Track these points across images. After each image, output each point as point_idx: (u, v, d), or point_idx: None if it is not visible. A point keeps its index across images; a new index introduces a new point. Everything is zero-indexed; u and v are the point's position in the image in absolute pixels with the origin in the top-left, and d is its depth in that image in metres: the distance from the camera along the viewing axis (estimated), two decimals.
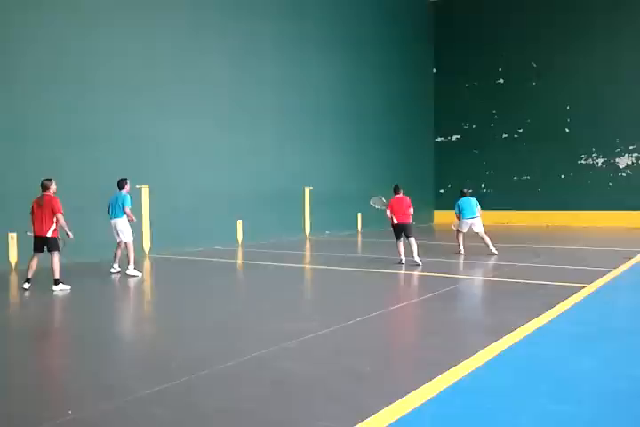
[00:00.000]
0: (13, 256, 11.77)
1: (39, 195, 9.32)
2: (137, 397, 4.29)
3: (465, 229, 14.07)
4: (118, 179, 10.99)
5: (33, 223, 9.23)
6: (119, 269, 10.96)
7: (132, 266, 10.71)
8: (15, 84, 12.00)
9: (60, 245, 9.34)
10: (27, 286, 9.17)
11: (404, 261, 12.22)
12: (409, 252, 12.23)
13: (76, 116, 13.01)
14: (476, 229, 13.93)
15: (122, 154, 13.84)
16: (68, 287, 9.19)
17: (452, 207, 14.67)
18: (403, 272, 11.16)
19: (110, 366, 5.19)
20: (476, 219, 13.96)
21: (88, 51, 13.28)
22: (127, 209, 10.72)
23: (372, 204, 13.19)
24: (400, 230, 12.30)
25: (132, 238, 10.92)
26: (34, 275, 9.31)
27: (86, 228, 12.04)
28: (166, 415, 3.97)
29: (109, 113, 13.69)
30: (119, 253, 11.01)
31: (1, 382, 4.83)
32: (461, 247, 14.00)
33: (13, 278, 10.82)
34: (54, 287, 9.07)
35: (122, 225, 10.78)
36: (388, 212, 12.36)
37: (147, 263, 13.29)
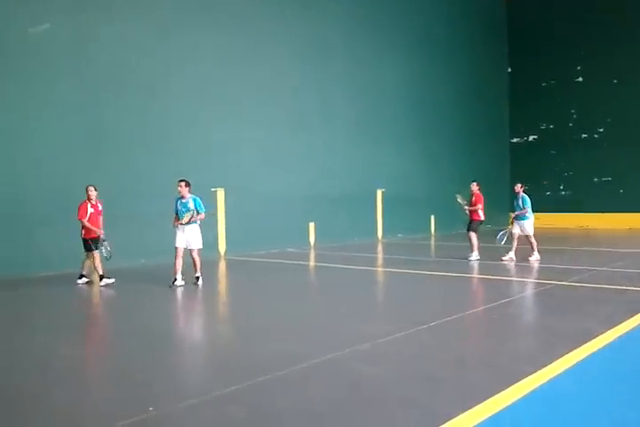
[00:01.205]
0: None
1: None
2: (213, 396, 4.38)
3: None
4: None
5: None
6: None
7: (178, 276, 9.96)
8: (96, 89, 12.50)
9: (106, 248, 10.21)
10: (104, 282, 10.10)
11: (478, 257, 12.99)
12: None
13: (149, 120, 13.44)
14: (518, 231, 13.16)
15: (195, 158, 14.18)
16: (84, 281, 10.30)
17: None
18: (479, 276, 10.97)
19: (188, 366, 5.33)
20: None
21: (162, 55, 13.71)
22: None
23: (458, 200, 13.36)
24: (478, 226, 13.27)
25: (175, 243, 10.07)
26: (104, 271, 10.20)
27: (163, 231, 12.44)
28: (241, 415, 4.03)
29: (182, 117, 14.06)
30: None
31: (86, 379, 5.03)
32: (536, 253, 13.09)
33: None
34: (78, 281, 10.27)
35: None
36: (480, 206, 13.11)
37: (222, 265, 13.57)
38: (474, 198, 13.25)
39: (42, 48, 11.64)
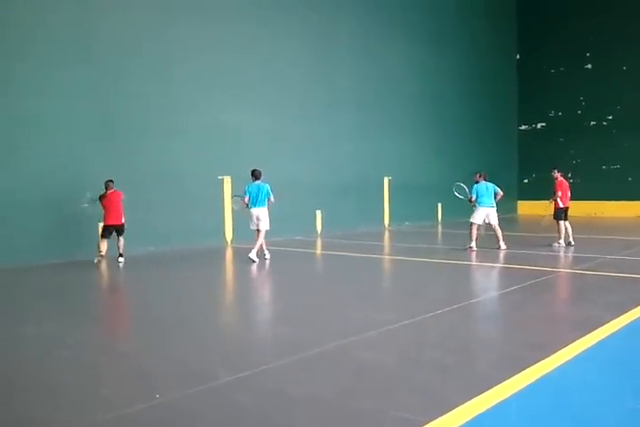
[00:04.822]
0: None
1: (104, 192, 11.15)
2: (221, 383, 4.39)
3: (480, 221, 12.84)
4: (253, 169, 11.63)
5: (108, 215, 11.13)
6: (269, 256, 11.77)
7: (254, 251, 11.33)
8: (103, 75, 12.46)
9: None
10: (98, 259, 11.07)
11: (573, 243, 13.26)
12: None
13: (156, 109, 13.38)
14: (492, 221, 12.86)
15: (203, 146, 14.15)
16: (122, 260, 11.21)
17: (537, 197, 14.09)
18: (486, 264, 10.94)
19: (197, 352, 5.32)
20: (493, 209, 12.88)
21: (167, 44, 13.62)
22: (272, 199, 11.38)
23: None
24: (563, 213, 13.40)
25: (269, 228, 11.53)
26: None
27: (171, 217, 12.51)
28: (249, 401, 4.04)
29: (191, 105, 13.99)
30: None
31: (95, 364, 5.04)
32: (473, 244, 12.69)
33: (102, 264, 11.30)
34: (120, 259, 11.18)
35: (265, 215, 11.44)
36: (560, 193, 13.38)
37: (228, 253, 13.59)
38: (555, 186, 13.69)
39: (48, 32, 11.60)
